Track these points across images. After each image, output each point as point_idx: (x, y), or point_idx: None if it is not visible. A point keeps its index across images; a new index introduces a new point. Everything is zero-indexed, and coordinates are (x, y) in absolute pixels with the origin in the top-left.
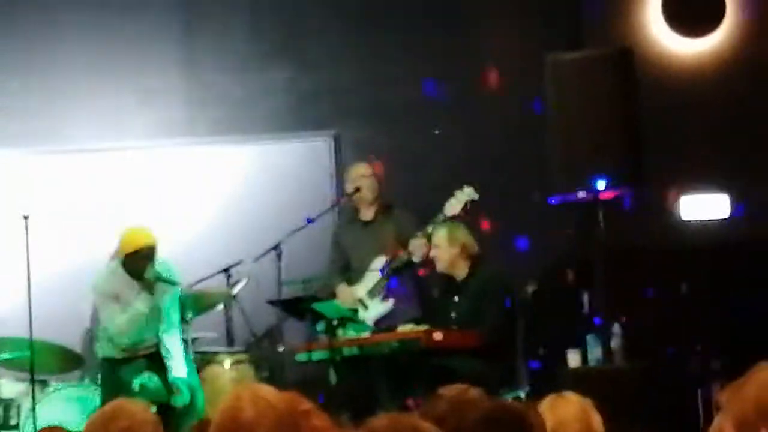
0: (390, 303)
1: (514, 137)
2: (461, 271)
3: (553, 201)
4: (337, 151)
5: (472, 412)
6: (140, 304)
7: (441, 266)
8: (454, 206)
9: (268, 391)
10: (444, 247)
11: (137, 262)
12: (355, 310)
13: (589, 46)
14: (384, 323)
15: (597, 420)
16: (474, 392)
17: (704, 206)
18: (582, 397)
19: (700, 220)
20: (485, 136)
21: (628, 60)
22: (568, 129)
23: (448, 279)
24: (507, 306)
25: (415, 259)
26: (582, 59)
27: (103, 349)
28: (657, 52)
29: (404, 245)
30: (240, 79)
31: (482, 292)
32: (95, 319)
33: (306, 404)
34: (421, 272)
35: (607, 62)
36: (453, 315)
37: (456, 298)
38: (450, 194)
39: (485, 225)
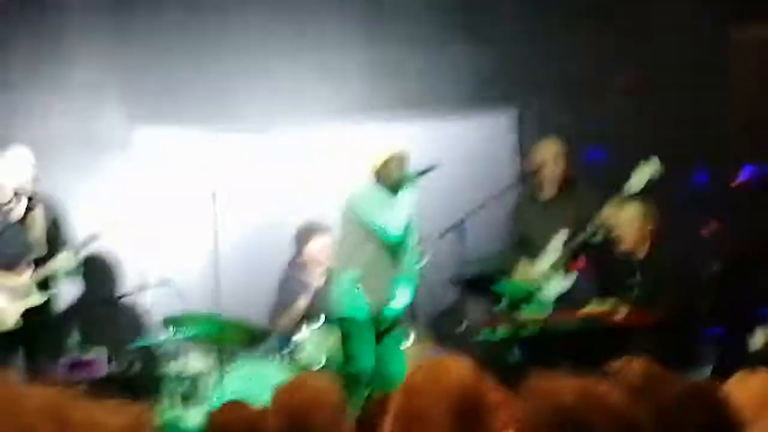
0: (571, 279)
1: (698, 114)
2: (643, 249)
3: (741, 178)
4: (520, 127)
5: (669, 386)
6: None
7: (627, 245)
8: (639, 182)
9: (452, 364)
10: (633, 226)
11: (391, 171)
12: (536, 287)
13: None
14: (565, 299)
15: None
16: (657, 368)
17: None
18: None
19: None
20: (668, 112)
21: None
22: (752, 106)
23: (627, 257)
24: (689, 285)
25: (599, 236)
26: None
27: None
28: None
29: (586, 222)
30: (422, 54)
31: (663, 270)
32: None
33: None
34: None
35: None
36: (635, 293)
37: (637, 276)
38: (633, 170)
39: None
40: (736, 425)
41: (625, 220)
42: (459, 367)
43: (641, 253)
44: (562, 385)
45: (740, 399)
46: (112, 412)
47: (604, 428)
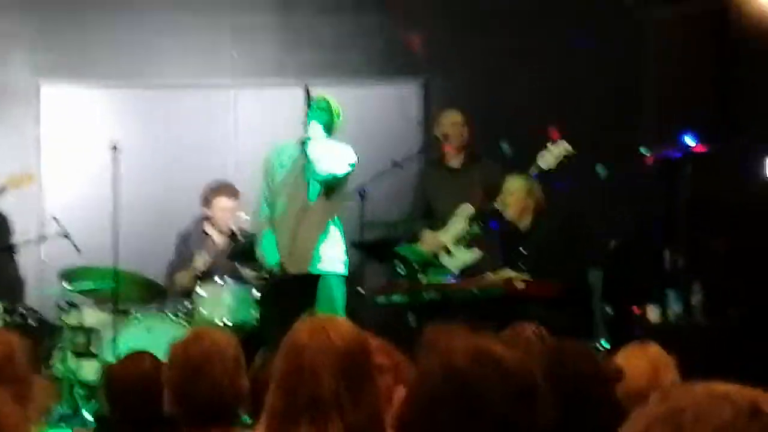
0: (476, 252)
1: (608, 90)
2: (526, 221)
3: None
4: (426, 98)
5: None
6: None
7: (510, 214)
8: (548, 160)
9: (333, 323)
10: (519, 197)
11: None
12: (438, 256)
13: (684, 1)
14: (469, 272)
15: (668, 377)
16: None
17: None
18: (664, 352)
19: None
20: (577, 88)
21: (724, 16)
22: (660, 84)
23: (511, 230)
24: (580, 260)
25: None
26: (679, 16)
27: None
28: (754, 8)
29: (490, 195)
30: (332, 22)
31: (547, 242)
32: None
33: (372, 342)
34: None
35: (703, 19)
36: (521, 265)
37: (522, 249)
38: (542, 146)
39: None
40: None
41: (508, 191)
42: (343, 326)
43: (524, 226)
44: (456, 346)
45: (631, 369)
46: None
47: (497, 390)
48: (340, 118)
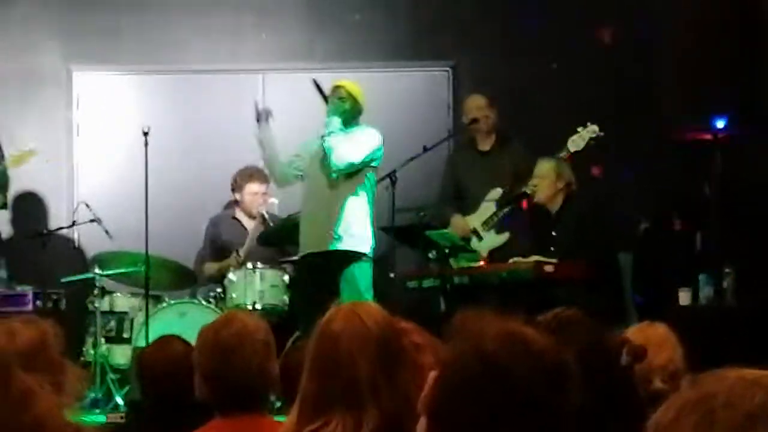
0: (505, 235)
1: (634, 70)
2: (557, 205)
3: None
4: (456, 82)
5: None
6: None
7: (541, 197)
8: (577, 143)
9: (365, 308)
10: (550, 180)
11: None
12: (468, 240)
13: None
14: (499, 255)
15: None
16: (582, 317)
17: None
18: (670, 332)
19: None
20: (603, 71)
21: None
22: (689, 67)
23: (542, 213)
24: (610, 242)
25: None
26: None
27: None
28: None
29: (520, 178)
30: (361, 5)
31: (577, 225)
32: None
33: (403, 323)
34: (524, 204)
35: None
36: (552, 248)
37: (552, 233)
38: (571, 130)
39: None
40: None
41: (538, 175)
42: (375, 312)
43: (554, 208)
44: (486, 330)
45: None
46: (21, 326)
47: (527, 373)
48: (362, 99)
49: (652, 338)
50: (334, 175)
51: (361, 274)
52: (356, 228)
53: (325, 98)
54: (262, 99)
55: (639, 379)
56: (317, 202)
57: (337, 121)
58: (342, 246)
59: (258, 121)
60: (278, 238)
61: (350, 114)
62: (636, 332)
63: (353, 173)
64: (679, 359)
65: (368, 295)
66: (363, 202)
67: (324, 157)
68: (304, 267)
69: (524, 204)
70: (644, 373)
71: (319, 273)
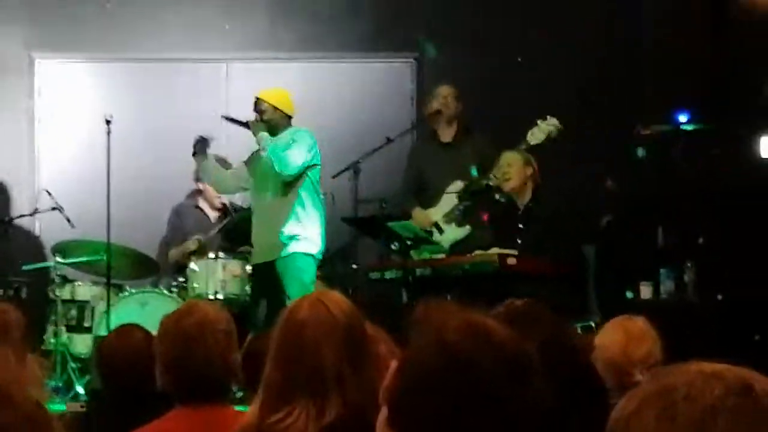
0: (467, 228)
1: (600, 68)
2: (526, 197)
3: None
4: (420, 73)
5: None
6: None
7: (510, 186)
8: (537, 135)
9: (331, 297)
10: (518, 166)
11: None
12: (431, 232)
13: None
14: (460, 248)
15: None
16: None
17: None
18: (649, 325)
19: None
20: (571, 63)
21: None
22: (654, 62)
23: (510, 206)
24: (575, 236)
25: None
26: None
27: None
28: None
29: (483, 169)
30: None
31: (547, 219)
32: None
33: (370, 329)
34: (485, 218)
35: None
36: (519, 241)
37: (520, 225)
38: (532, 122)
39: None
40: (595, 376)
41: (505, 164)
42: (341, 301)
43: (523, 201)
44: (448, 321)
45: (608, 340)
46: None
47: (490, 365)
48: (286, 102)
49: (632, 331)
50: (279, 184)
51: (306, 267)
52: (303, 231)
53: (245, 123)
54: (225, 88)
55: (619, 371)
56: (263, 212)
57: (265, 136)
58: (290, 250)
59: (194, 154)
60: (240, 234)
61: (276, 122)
62: (615, 325)
63: (290, 185)
64: (659, 352)
65: (311, 289)
66: (308, 204)
67: (263, 171)
68: (256, 275)
69: (485, 217)
70: (624, 366)
71: (268, 280)
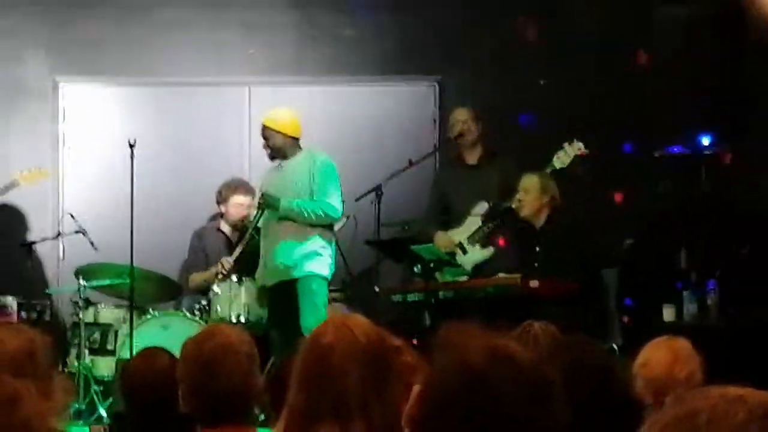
0: (490, 250)
1: (618, 90)
2: (542, 220)
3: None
4: (442, 97)
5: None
6: None
7: (525, 212)
8: (563, 159)
9: (356, 321)
10: (534, 194)
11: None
12: (453, 254)
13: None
14: (484, 270)
15: (686, 369)
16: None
17: None
18: (690, 347)
19: None
20: (590, 88)
21: (738, 17)
22: (674, 83)
23: (527, 228)
24: (594, 258)
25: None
26: (690, 15)
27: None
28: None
29: (506, 192)
30: (348, 20)
31: (562, 240)
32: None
33: (395, 341)
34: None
35: (715, 19)
36: (535, 265)
37: (537, 248)
38: (557, 146)
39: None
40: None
41: (523, 189)
42: (366, 325)
43: (539, 224)
44: (471, 344)
45: (653, 359)
46: (9, 334)
47: (512, 388)
48: (292, 125)
49: (679, 351)
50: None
51: (319, 290)
52: (317, 251)
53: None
54: (248, 111)
55: (662, 390)
56: (275, 233)
57: (287, 205)
58: (306, 269)
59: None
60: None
61: (285, 149)
62: (659, 345)
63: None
64: (701, 374)
65: (323, 311)
66: (321, 227)
67: (276, 189)
68: (272, 297)
69: (501, 241)
70: (668, 385)
71: (284, 303)
